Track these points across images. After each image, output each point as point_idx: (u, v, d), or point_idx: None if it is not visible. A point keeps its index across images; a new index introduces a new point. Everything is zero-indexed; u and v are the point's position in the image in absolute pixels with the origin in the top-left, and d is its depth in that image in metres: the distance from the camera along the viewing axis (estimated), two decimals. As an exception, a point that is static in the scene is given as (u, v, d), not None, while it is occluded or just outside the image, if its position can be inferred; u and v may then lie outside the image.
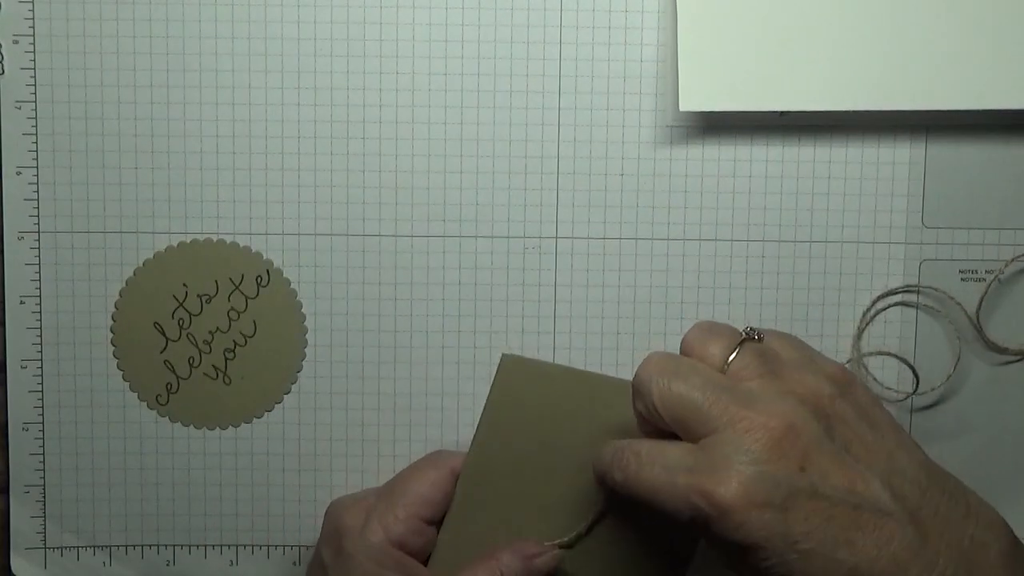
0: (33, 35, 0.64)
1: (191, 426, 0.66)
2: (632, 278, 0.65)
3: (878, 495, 0.51)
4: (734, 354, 0.54)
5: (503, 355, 0.60)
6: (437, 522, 0.61)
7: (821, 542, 0.50)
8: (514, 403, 0.59)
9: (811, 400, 0.52)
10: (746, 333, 0.55)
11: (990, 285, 0.65)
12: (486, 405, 0.60)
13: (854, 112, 0.63)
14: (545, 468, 0.59)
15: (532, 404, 0.59)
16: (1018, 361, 0.65)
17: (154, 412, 0.66)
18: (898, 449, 0.53)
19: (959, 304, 0.65)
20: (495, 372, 0.60)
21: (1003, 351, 0.65)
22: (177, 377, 0.66)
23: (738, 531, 0.50)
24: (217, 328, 0.66)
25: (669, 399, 0.52)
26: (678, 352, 0.55)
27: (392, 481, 0.62)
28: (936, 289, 0.65)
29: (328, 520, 0.62)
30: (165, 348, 0.66)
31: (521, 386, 0.59)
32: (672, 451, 0.52)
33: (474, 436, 0.60)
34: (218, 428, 0.66)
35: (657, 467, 0.52)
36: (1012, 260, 0.65)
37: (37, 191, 0.65)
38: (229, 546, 0.67)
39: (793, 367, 0.54)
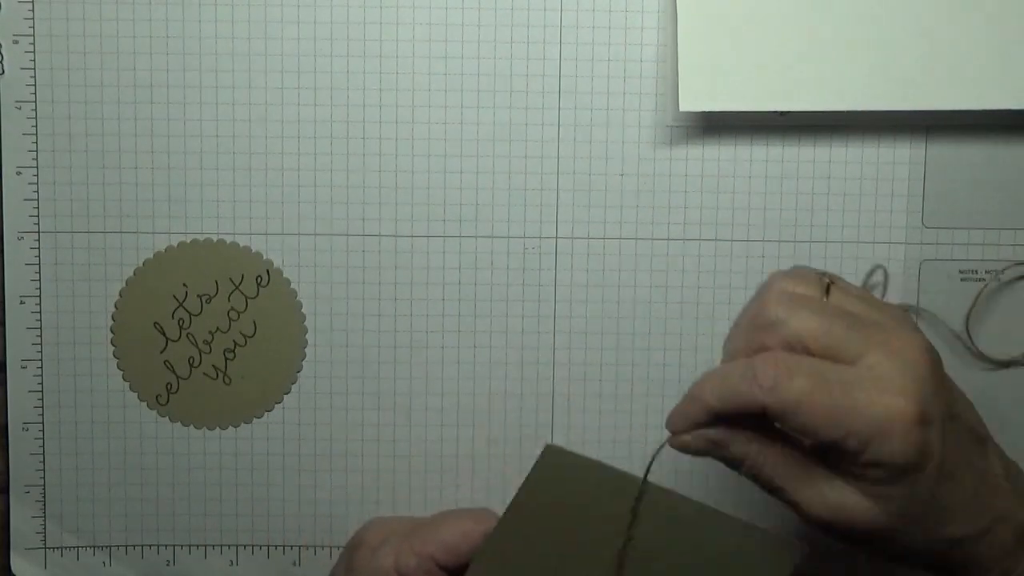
0: (33, 35, 0.64)
1: (191, 426, 0.66)
2: (632, 278, 0.65)
3: (976, 420, 0.54)
4: (827, 297, 0.53)
5: (547, 445, 0.58)
6: (451, 572, 0.60)
7: (956, 464, 0.51)
8: (548, 491, 0.56)
9: (912, 327, 0.53)
10: (822, 277, 0.55)
11: (979, 295, 0.65)
12: (521, 487, 0.57)
13: (854, 112, 0.63)
14: (567, 560, 0.56)
15: (566, 495, 0.56)
16: (1008, 368, 0.65)
17: (154, 412, 0.66)
18: None
19: (956, 306, 0.65)
20: (537, 458, 0.58)
21: (987, 359, 0.65)
22: (177, 377, 0.66)
23: (906, 451, 0.49)
24: (217, 328, 0.66)
25: (812, 331, 0.51)
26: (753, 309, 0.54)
27: (432, 516, 0.63)
28: (936, 289, 0.65)
29: (358, 531, 0.63)
30: (165, 348, 0.66)
31: (558, 476, 0.56)
32: (829, 366, 0.50)
33: (504, 512, 0.57)
34: (218, 428, 0.66)
35: (815, 378, 0.50)
36: (1003, 270, 0.65)
37: (37, 191, 0.65)
38: (229, 546, 0.67)
39: (874, 300, 0.55)
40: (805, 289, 0.53)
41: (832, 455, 0.51)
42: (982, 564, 0.53)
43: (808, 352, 0.51)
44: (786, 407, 0.50)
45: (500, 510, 0.58)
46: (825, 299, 0.53)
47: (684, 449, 0.52)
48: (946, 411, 0.51)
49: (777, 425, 0.52)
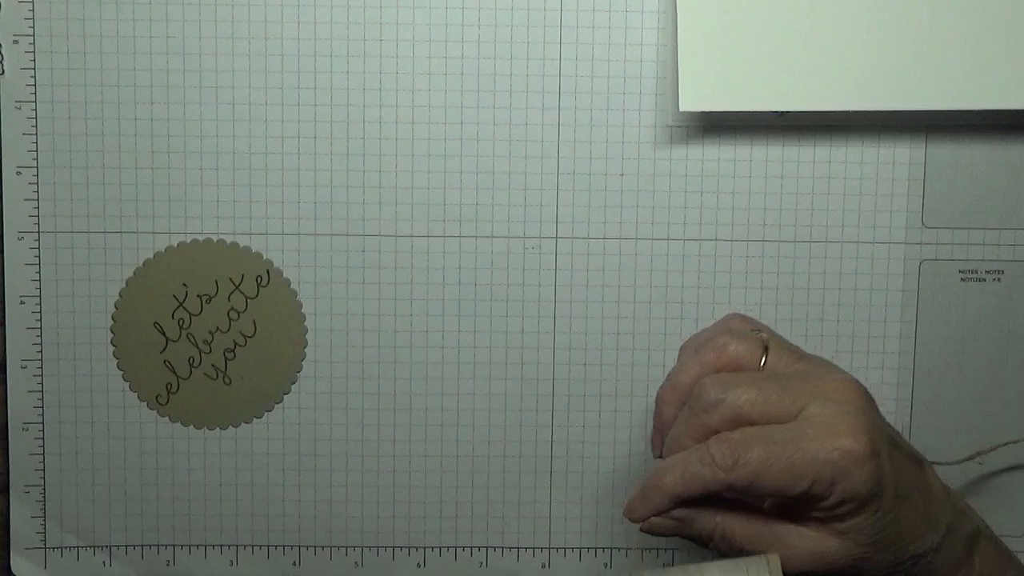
0: (33, 35, 0.64)
1: (191, 426, 0.66)
2: (632, 278, 0.65)
3: (909, 446, 0.58)
4: (763, 357, 0.58)
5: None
6: None
7: (906, 487, 0.55)
8: None
9: (841, 372, 0.58)
10: (756, 333, 0.59)
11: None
12: None
13: (854, 112, 0.63)
14: None
15: None
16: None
17: (154, 412, 0.66)
18: None
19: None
20: None
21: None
22: (177, 377, 0.66)
23: (867, 481, 0.53)
24: (217, 328, 0.66)
25: (750, 402, 0.55)
26: (682, 379, 0.58)
27: None
28: (936, 289, 0.65)
29: None
30: (165, 348, 0.66)
31: None
32: (775, 429, 0.54)
33: None
34: (218, 428, 0.66)
35: (767, 444, 0.54)
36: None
37: (37, 191, 0.65)
38: (229, 546, 0.67)
39: (804, 355, 0.60)
40: (745, 348, 0.58)
41: (794, 507, 0.55)
42: (941, 573, 0.57)
43: (751, 422, 0.55)
44: (750, 479, 0.54)
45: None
46: (764, 357, 0.58)
47: (652, 531, 0.57)
48: (887, 440, 0.55)
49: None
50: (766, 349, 0.58)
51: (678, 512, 0.56)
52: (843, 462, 0.53)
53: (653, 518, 0.56)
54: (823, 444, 0.53)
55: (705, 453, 0.54)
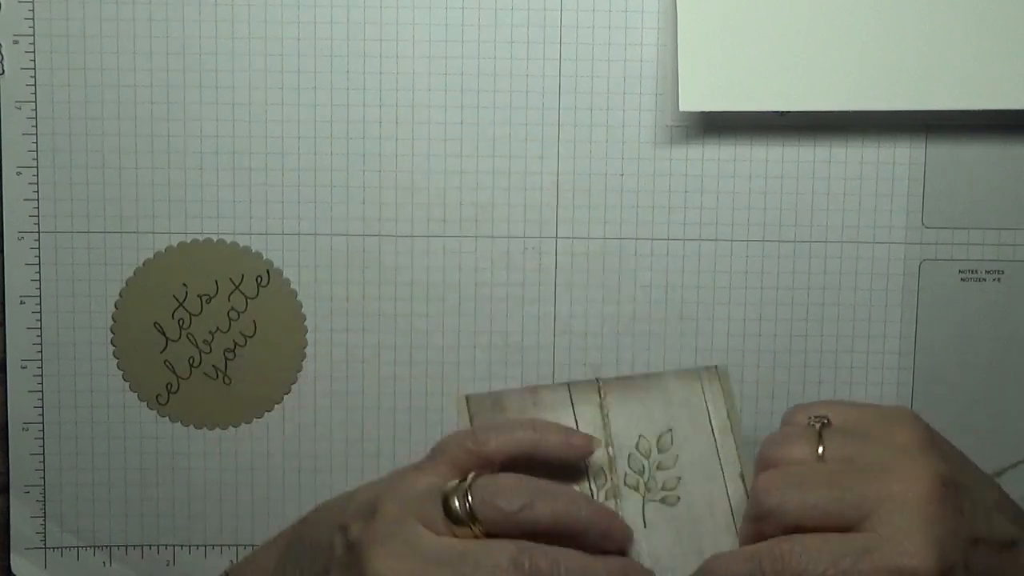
0: (33, 35, 0.64)
1: (191, 426, 0.66)
2: (632, 278, 0.65)
3: (1002, 525, 0.51)
4: (821, 447, 0.52)
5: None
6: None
7: None
8: None
9: (915, 445, 0.51)
10: (812, 422, 0.53)
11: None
12: None
13: (854, 112, 0.63)
14: None
15: None
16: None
17: (154, 412, 0.66)
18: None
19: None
20: None
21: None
22: (177, 377, 0.66)
23: None
24: (217, 328, 0.66)
25: (809, 507, 0.50)
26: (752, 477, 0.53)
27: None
28: (936, 289, 0.65)
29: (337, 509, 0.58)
30: (165, 348, 0.66)
31: None
32: (836, 540, 0.49)
33: None
34: (218, 428, 0.66)
35: (827, 559, 0.49)
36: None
37: (37, 191, 0.65)
38: (229, 546, 0.67)
39: (871, 424, 0.53)
40: (797, 451, 0.52)
41: None
42: None
43: (810, 529, 0.50)
44: None
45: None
46: (820, 449, 0.52)
47: None
48: (966, 542, 0.49)
49: None
50: (820, 437, 0.52)
51: None
52: None
53: None
54: (886, 564, 0.48)
55: (756, 566, 0.50)
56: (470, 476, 0.53)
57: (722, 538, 0.55)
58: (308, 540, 0.56)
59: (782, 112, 0.64)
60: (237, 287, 0.66)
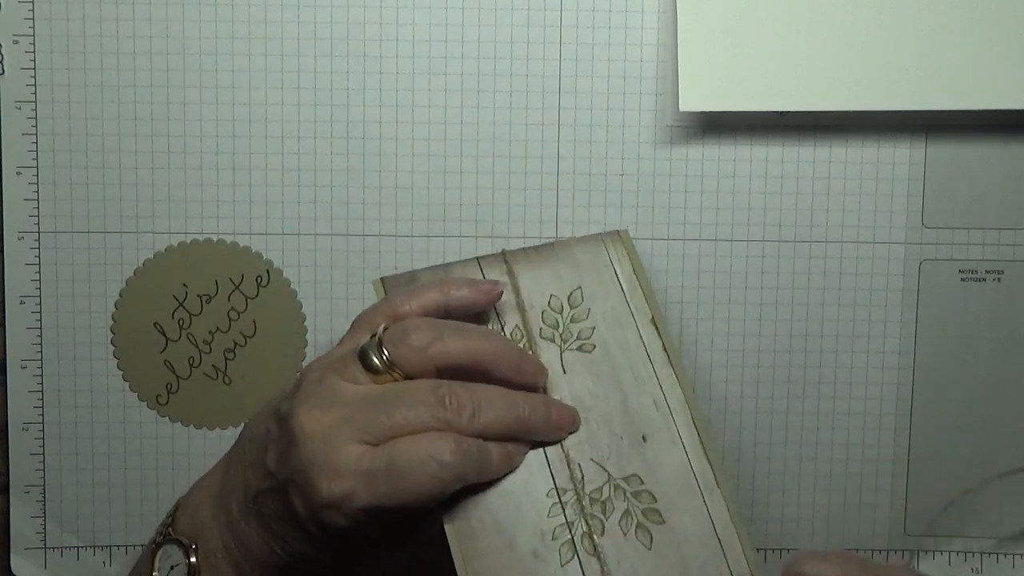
0: (33, 35, 0.64)
1: (191, 426, 0.66)
2: (632, 278, 0.65)
3: None
4: None
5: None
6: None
7: None
8: None
9: None
10: None
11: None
12: None
13: (854, 112, 0.63)
14: None
15: None
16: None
17: (154, 412, 0.66)
18: None
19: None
20: None
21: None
22: (177, 377, 0.66)
23: None
24: (217, 328, 0.66)
25: None
26: None
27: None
28: (936, 289, 0.65)
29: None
30: (165, 348, 0.66)
31: None
32: None
33: None
34: (218, 428, 0.66)
35: None
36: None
37: (37, 191, 0.65)
38: (229, 546, 0.67)
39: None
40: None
41: None
42: None
43: None
44: None
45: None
46: None
47: None
48: None
49: None
50: None
51: None
52: None
53: None
54: None
55: None
56: (380, 328, 0.55)
57: (641, 375, 0.58)
58: (248, 439, 0.58)
59: (782, 112, 0.64)
60: (237, 287, 0.66)
